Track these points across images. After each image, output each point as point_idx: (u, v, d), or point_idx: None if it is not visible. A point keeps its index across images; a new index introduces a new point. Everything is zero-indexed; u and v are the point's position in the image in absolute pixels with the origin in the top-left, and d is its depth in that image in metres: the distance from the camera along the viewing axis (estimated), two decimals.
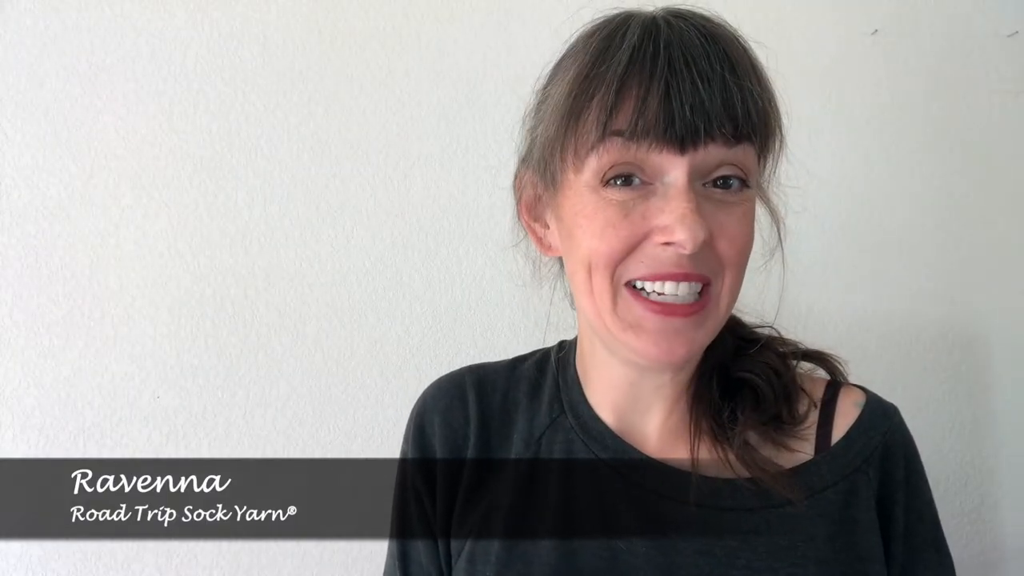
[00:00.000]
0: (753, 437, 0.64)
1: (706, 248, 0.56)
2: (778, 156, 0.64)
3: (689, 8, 0.60)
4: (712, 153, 0.56)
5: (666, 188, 0.56)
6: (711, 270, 0.58)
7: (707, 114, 0.55)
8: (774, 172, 0.65)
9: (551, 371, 0.72)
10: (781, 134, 0.62)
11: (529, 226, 0.68)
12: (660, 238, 0.56)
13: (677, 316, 0.58)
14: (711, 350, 0.66)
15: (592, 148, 0.57)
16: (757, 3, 1.07)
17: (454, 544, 0.67)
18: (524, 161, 0.66)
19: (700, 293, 0.59)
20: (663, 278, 0.57)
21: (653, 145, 0.55)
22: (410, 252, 1.04)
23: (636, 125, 0.55)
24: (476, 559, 0.65)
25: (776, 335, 0.71)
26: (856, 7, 1.09)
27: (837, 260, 1.09)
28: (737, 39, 0.59)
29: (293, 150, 1.02)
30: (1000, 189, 1.11)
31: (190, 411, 1.00)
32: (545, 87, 0.63)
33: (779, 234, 0.68)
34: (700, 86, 0.54)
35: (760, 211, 0.65)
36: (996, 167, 1.11)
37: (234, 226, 1.01)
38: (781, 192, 0.68)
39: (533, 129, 0.64)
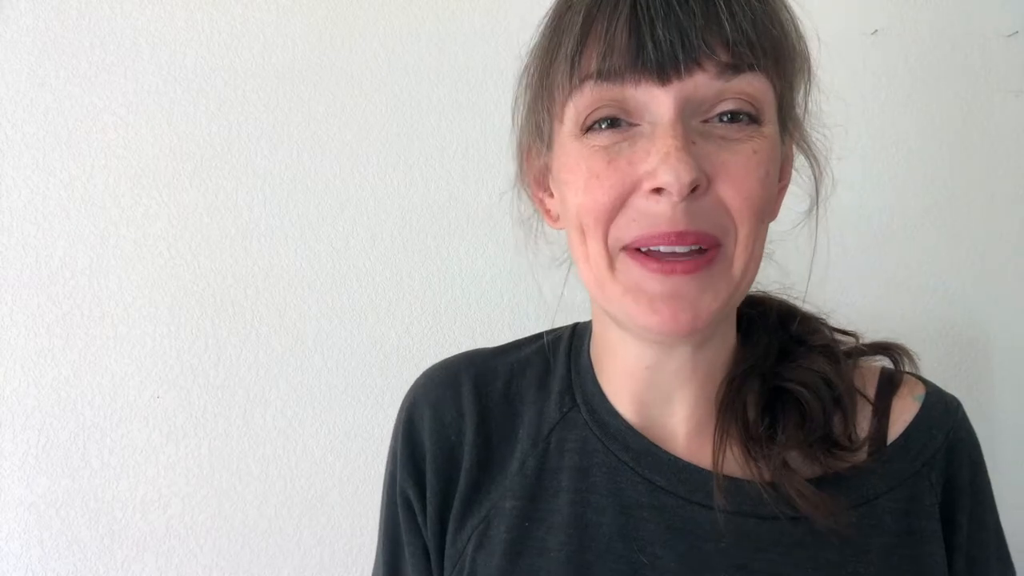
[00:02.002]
0: (796, 458, 0.55)
1: (707, 197, 0.49)
2: (808, 84, 0.56)
3: None
4: (704, 84, 0.48)
5: (652, 127, 0.49)
6: (717, 225, 0.50)
7: (683, 31, 0.47)
8: (806, 108, 0.57)
9: (562, 357, 0.64)
10: (804, 58, 0.54)
11: (535, 195, 0.62)
12: (648, 184, 0.49)
13: (678, 274, 0.50)
14: (751, 349, 0.60)
15: (568, 95, 0.51)
16: None
17: (450, 554, 0.61)
18: (523, 127, 0.60)
19: (705, 253, 0.51)
20: (657, 241, 0.50)
21: (629, 79, 0.48)
22: (410, 252, 1.04)
23: (605, 60, 0.48)
24: (477, 573, 0.58)
25: (831, 332, 0.62)
26: (856, 7, 1.09)
27: (836, 260, 1.08)
28: None
29: (293, 150, 1.02)
30: (1000, 189, 1.11)
31: (190, 411, 1.00)
32: (534, 40, 0.58)
33: (816, 187, 0.59)
34: (675, 1, 0.47)
35: (798, 163, 0.59)
36: (996, 167, 1.11)
37: (234, 226, 1.01)
38: (824, 135, 0.59)
39: (524, 83, 0.59)
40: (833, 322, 0.65)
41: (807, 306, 0.63)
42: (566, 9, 0.52)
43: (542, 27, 0.56)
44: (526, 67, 0.58)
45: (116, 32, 0.99)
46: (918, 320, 1.11)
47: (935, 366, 1.11)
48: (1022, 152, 1.11)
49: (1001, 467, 1.11)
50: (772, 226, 0.58)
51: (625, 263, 0.52)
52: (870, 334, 1.07)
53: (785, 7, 0.53)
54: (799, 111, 0.56)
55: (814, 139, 0.59)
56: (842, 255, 1.09)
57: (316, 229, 1.02)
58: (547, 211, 0.61)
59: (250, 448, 1.01)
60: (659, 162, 0.48)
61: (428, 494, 0.62)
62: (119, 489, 0.98)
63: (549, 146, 0.56)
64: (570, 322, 0.70)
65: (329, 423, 1.03)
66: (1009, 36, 1.11)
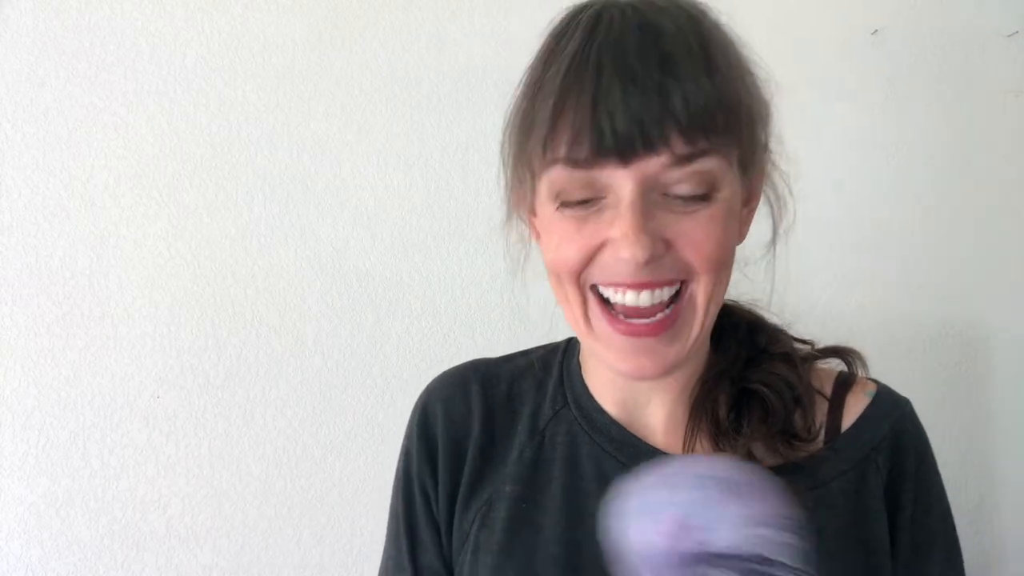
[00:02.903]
0: (759, 448, 0.62)
1: (668, 256, 0.55)
2: (768, 129, 0.61)
3: None
4: (661, 168, 0.53)
5: (617, 201, 0.54)
6: (681, 272, 0.56)
7: (642, 123, 0.51)
8: (766, 145, 0.62)
9: (557, 364, 0.72)
10: (764, 107, 0.59)
11: (528, 219, 0.66)
12: (611, 249, 0.55)
13: (643, 336, 0.56)
14: (722, 354, 0.66)
15: (542, 170, 0.56)
16: (758, 4, 1.07)
17: (457, 534, 0.67)
18: (512, 169, 0.64)
19: (677, 294, 0.57)
20: (623, 286, 0.56)
21: (595, 165, 0.53)
22: (410, 252, 1.04)
23: (571, 149, 0.53)
24: (480, 549, 0.65)
25: (791, 341, 0.68)
26: (856, 7, 1.09)
27: (837, 260, 1.09)
28: (694, 31, 0.54)
29: (293, 150, 1.02)
30: (1000, 189, 1.11)
31: (190, 411, 1.00)
32: (520, 87, 0.61)
33: (774, 226, 0.65)
34: (632, 90, 0.51)
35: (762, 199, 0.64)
36: (996, 167, 1.11)
37: (234, 226, 1.01)
38: (784, 177, 0.65)
39: (508, 129, 0.63)
40: (795, 332, 0.70)
41: (771, 317, 0.69)
42: (538, 90, 0.56)
43: (521, 89, 0.60)
44: (508, 121, 0.62)
45: (116, 32, 0.99)
46: (918, 320, 1.11)
47: (935, 366, 1.11)
48: (1022, 152, 1.11)
49: (1001, 467, 1.11)
50: (749, 243, 0.63)
51: (596, 312, 0.58)
52: (870, 335, 1.07)
53: (739, 64, 0.57)
54: (760, 151, 0.61)
55: (774, 178, 0.64)
56: (842, 256, 1.09)
57: (316, 229, 1.03)
58: (536, 231, 0.66)
59: (250, 448, 1.01)
60: (620, 238, 0.53)
61: (439, 482, 0.68)
62: (119, 489, 0.98)
63: (533, 192, 0.61)
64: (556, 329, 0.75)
65: (329, 423, 1.03)
66: (1009, 36, 1.11)
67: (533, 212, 0.65)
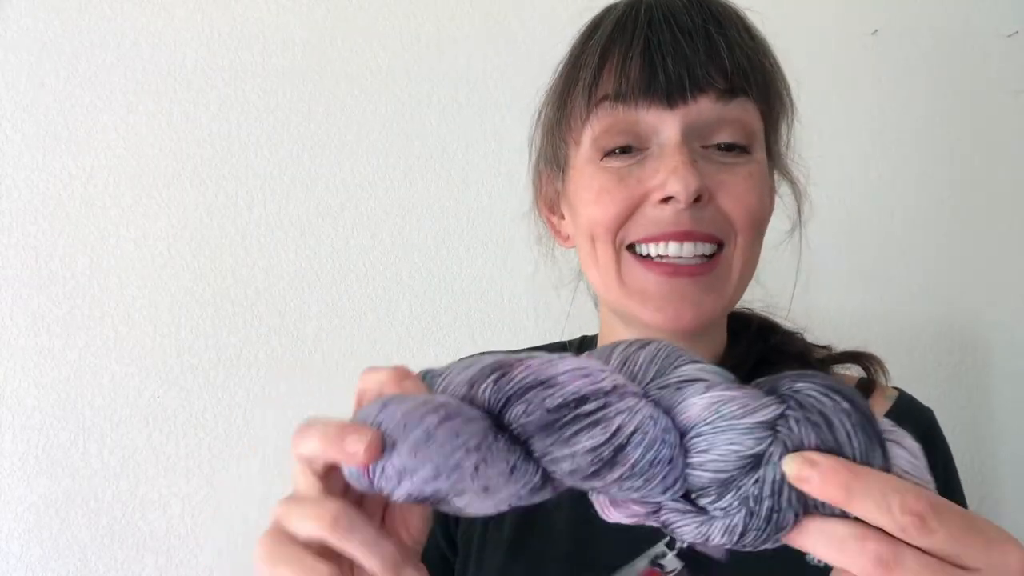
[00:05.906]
0: None
1: (711, 207, 0.55)
2: (790, 122, 0.63)
3: None
4: (706, 108, 0.55)
5: (661, 148, 0.55)
6: (720, 230, 0.56)
7: (690, 64, 0.54)
8: (788, 142, 0.64)
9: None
10: (788, 96, 0.61)
11: (547, 219, 0.68)
12: (657, 195, 0.55)
13: (682, 276, 0.56)
14: (733, 351, 0.65)
15: (586, 119, 0.57)
16: (758, 3, 1.07)
17: (463, 523, 0.67)
18: (539, 156, 0.66)
19: (711, 256, 0.57)
20: (664, 238, 0.56)
21: (641, 102, 0.55)
22: (410, 252, 1.04)
23: (620, 85, 0.55)
24: (487, 545, 0.64)
25: (806, 343, 0.68)
26: (856, 7, 1.09)
27: (837, 260, 1.09)
28: (734, 9, 0.59)
29: (293, 150, 1.02)
30: (1000, 189, 1.11)
31: (190, 411, 1.00)
32: (550, 84, 0.65)
33: (799, 209, 0.66)
34: (681, 38, 0.54)
35: (784, 189, 0.65)
36: (996, 167, 1.11)
37: (234, 226, 1.01)
38: (802, 165, 0.66)
39: (539, 120, 0.66)
40: (816, 334, 0.70)
41: (786, 322, 0.69)
42: (581, 52, 0.60)
43: (558, 70, 0.63)
44: (542, 105, 0.65)
45: (116, 32, 0.99)
46: (919, 320, 1.11)
47: (935, 366, 1.11)
48: (1022, 152, 1.11)
49: (1001, 467, 1.11)
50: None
51: (630, 265, 0.57)
52: (871, 335, 1.07)
53: (771, 52, 0.61)
54: (782, 146, 0.64)
55: (794, 168, 0.67)
56: (842, 256, 1.09)
57: (316, 229, 1.03)
58: (557, 232, 0.68)
59: (250, 448, 1.01)
60: (668, 174, 0.54)
61: None
62: (119, 489, 0.98)
63: (564, 170, 0.62)
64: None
65: None
66: (1009, 36, 1.11)
67: (554, 210, 0.67)
